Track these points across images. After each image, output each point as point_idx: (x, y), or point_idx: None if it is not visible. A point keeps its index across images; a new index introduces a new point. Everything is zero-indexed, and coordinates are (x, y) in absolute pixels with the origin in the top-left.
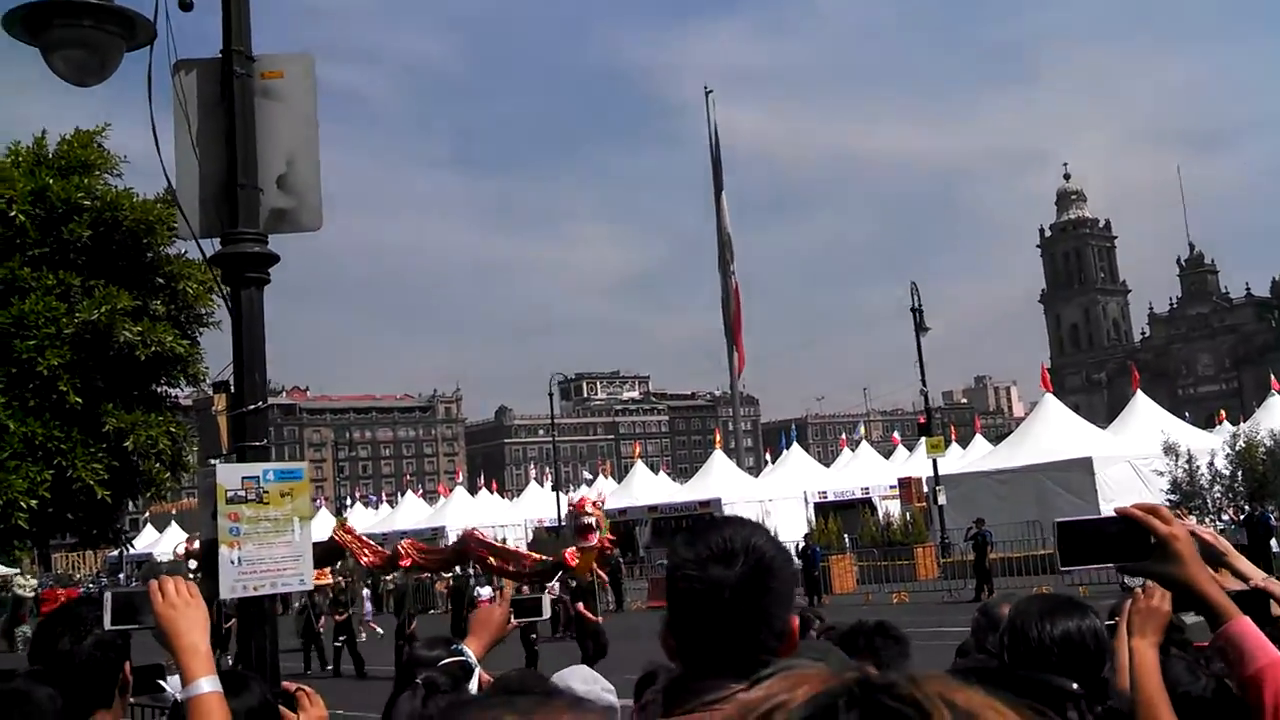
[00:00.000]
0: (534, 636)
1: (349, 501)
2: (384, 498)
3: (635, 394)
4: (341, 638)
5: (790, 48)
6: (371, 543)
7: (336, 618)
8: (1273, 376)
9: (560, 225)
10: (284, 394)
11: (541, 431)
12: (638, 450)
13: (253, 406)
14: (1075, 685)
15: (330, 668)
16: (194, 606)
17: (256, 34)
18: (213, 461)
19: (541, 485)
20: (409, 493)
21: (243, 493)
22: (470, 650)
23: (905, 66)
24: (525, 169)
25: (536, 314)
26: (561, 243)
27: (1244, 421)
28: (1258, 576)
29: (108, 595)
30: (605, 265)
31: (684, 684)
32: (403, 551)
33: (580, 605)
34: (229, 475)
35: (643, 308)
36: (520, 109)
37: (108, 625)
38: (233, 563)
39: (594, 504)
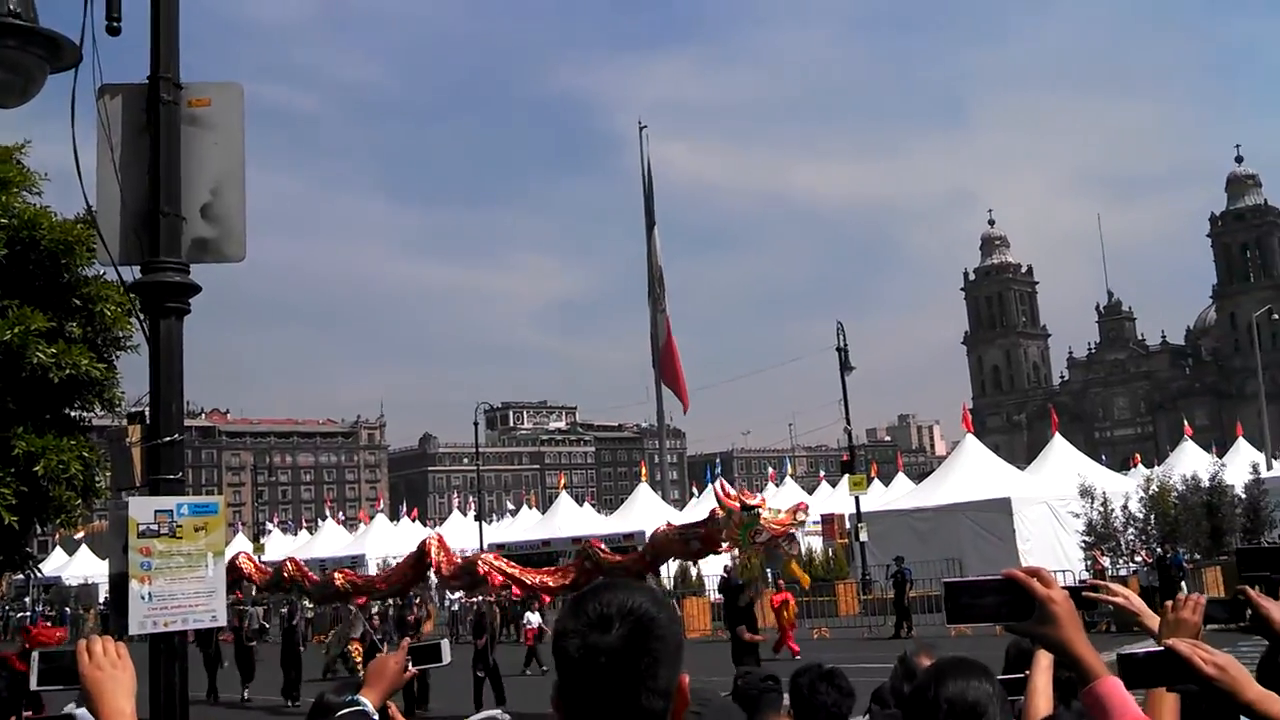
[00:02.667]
0: (480, 674)
1: (267, 527)
2: (303, 524)
3: (562, 424)
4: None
5: (728, 83)
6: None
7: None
8: (1186, 422)
9: (492, 253)
10: (202, 416)
11: (466, 460)
12: (563, 481)
13: (168, 439)
14: None
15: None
16: (121, 669)
17: (188, 50)
18: (124, 494)
19: (465, 514)
20: (329, 519)
21: (155, 526)
22: (367, 700)
23: (842, 104)
24: (458, 195)
25: (465, 341)
26: (493, 270)
27: (1158, 465)
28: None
29: (35, 655)
30: (536, 294)
31: None
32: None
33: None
34: (141, 508)
35: (573, 337)
36: (455, 135)
37: (34, 685)
38: (143, 598)
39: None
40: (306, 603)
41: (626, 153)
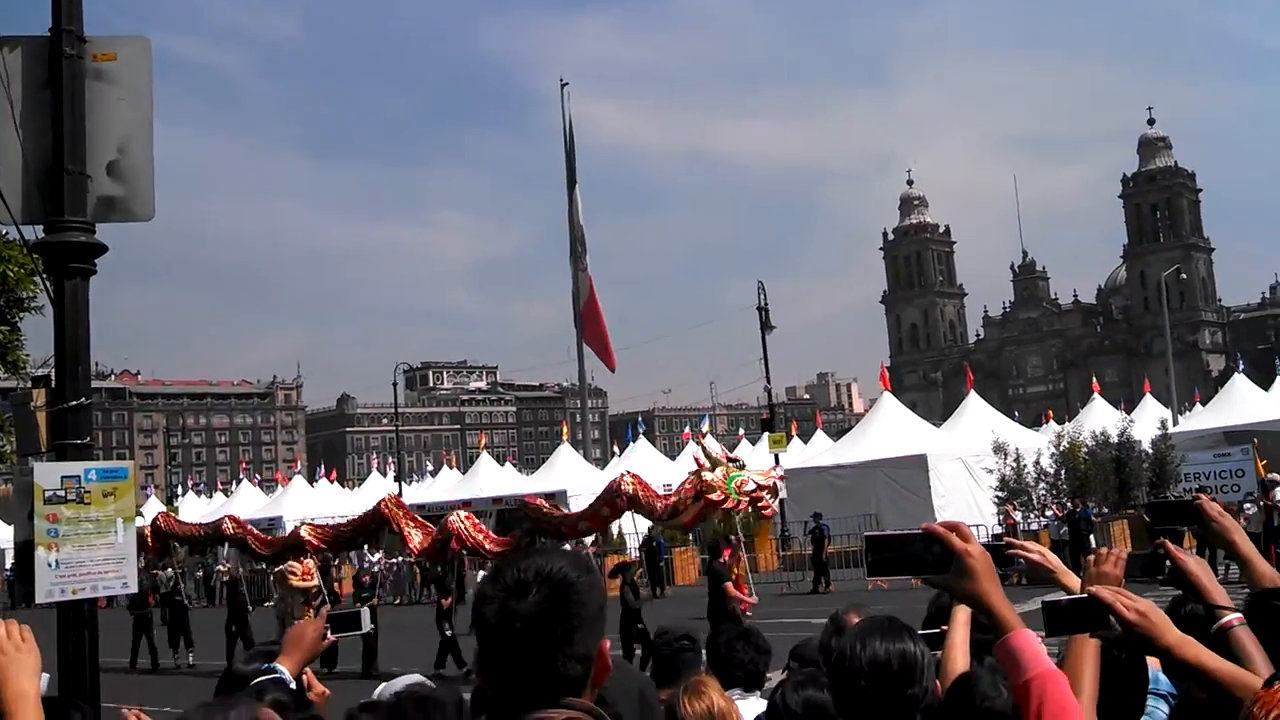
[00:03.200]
0: (449, 633)
1: (181, 490)
2: (219, 486)
3: (483, 384)
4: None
5: (654, 43)
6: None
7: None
8: (1095, 379)
9: (412, 211)
10: (112, 377)
11: (385, 420)
12: (483, 441)
13: (75, 403)
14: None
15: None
16: (25, 652)
17: (94, 2)
18: (30, 460)
19: (384, 475)
20: (245, 481)
21: (62, 493)
22: (284, 668)
23: (769, 65)
24: (378, 153)
25: (384, 300)
26: (412, 228)
27: (1068, 422)
28: (1080, 585)
29: None
30: (457, 252)
31: (495, 714)
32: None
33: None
34: (47, 475)
35: (494, 297)
36: (378, 93)
37: None
38: (50, 565)
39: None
40: (222, 567)
41: (549, 111)
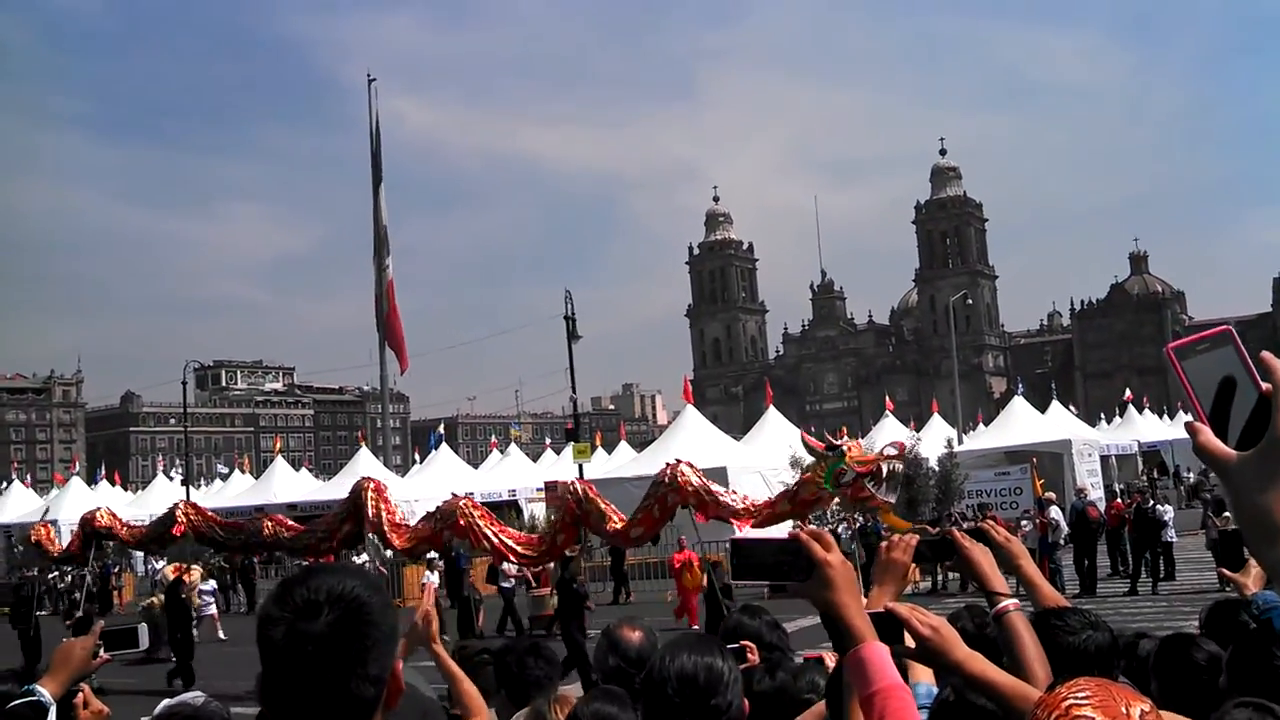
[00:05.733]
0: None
1: None
2: None
3: (279, 385)
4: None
5: (464, 41)
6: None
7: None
8: (888, 397)
9: (206, 202)
10: None
11: (173, 421)
12: (278, 444)
13: None
14: None
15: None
16: None
17: None
18: None
19: (170, 479)
20: (16, 482)
21: None
22: (45, 690)
23: (580, 71)
24: (170, 139)
25: (174, 295)
26: (206, 220)
27: (861, 437)
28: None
29: None
30: (254, 247)
31: None
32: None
33: None
34: None
35: (293, 295)
36: (173, 73)
37: None
38: None
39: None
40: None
41: (354, 104)
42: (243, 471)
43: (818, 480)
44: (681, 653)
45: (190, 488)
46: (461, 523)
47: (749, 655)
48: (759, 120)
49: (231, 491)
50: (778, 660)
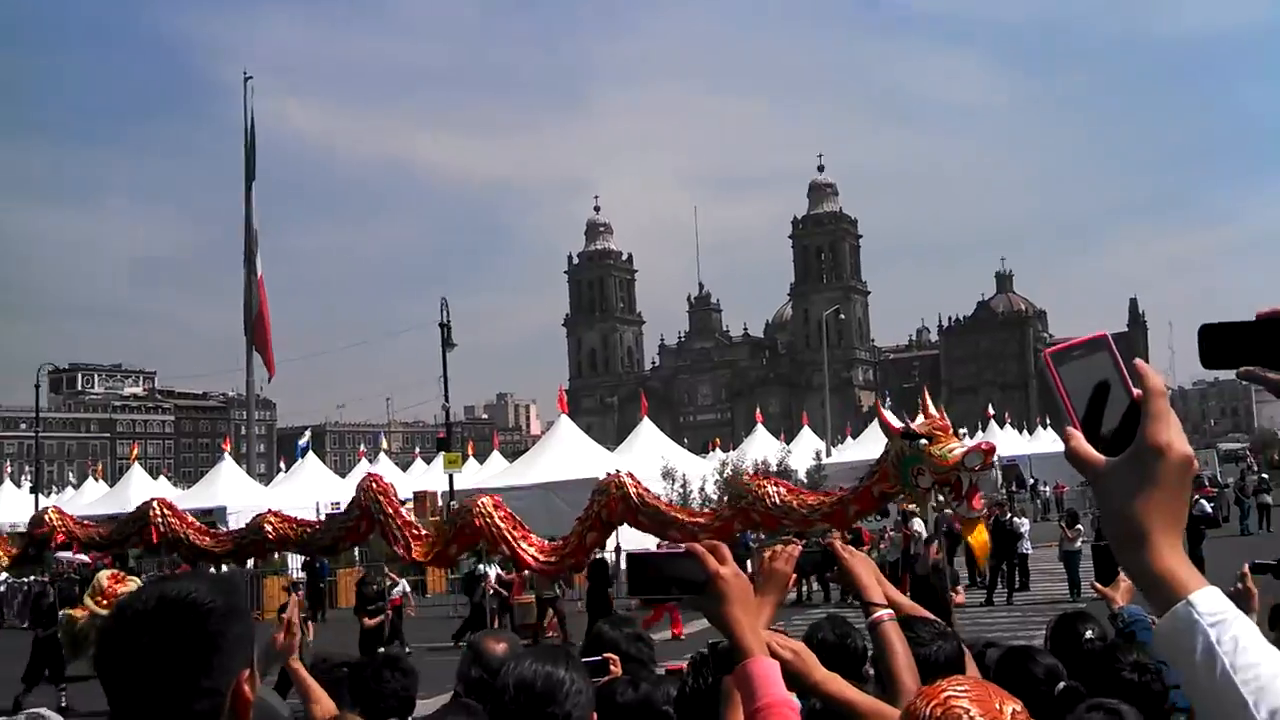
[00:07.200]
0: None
1: None
2: None
3: (139, 390)
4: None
5: (352, 44)
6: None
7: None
8: (760, 409)
9: (61, 195)
10: None
11: (24, 425)
12: (136, 451)
13: None
14: None
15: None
16: None
17: None
18: None
19: (19, 486)
20: None
21: None
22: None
23: (470, 77)
24: (41, 127)
25: (25, 293)
26: (60, 214)
27: (733, 449)
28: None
29: None
30: (112, 246)
31: None
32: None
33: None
34: None
35: (155, 297)
36: (41, 61)
37: None
38: None
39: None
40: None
41: (232, 103)
42: (96, 479)
43: (894, 474)
44: (525, 661)
45: (39, 495)
46: (478, 523)
47: (611, 667)
48: (645, 132)
49: (85, 499)
50: (638, 672)
